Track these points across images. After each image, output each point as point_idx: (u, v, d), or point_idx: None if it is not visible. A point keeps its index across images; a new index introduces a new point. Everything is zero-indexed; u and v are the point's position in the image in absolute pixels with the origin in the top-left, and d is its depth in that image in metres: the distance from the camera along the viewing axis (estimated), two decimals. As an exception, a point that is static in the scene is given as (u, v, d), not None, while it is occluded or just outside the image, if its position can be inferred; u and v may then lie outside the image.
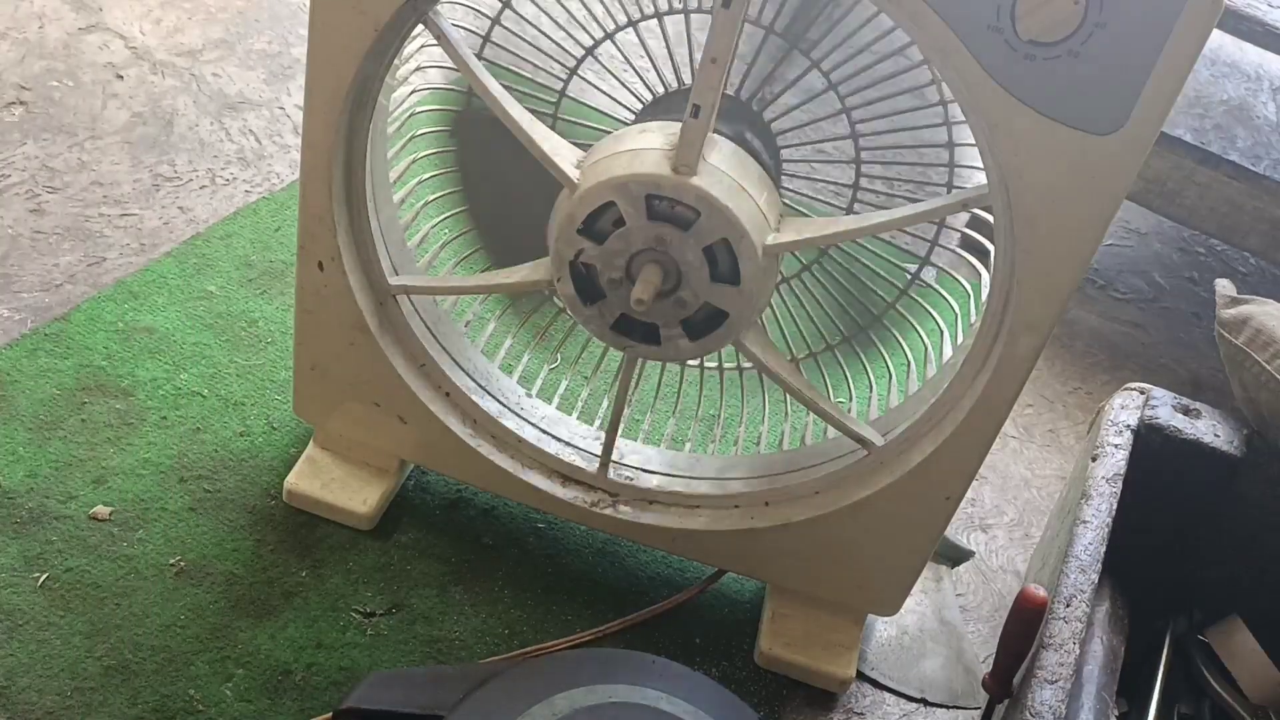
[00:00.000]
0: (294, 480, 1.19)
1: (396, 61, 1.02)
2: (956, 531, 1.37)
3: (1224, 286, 1.21)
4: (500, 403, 1.17)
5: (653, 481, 1.16)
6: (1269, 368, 1.10)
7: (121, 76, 1.70)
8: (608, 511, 1.15)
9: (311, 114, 1.00)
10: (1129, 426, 1.13)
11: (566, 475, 1.16)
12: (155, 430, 1.23)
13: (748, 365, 1.17)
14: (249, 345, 1.36)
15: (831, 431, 1.12)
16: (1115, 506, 1.05)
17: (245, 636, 1.08)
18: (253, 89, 1.76)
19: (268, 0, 1.93)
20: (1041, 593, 0.93)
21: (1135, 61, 0.81)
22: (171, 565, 1.12)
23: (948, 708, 1.20)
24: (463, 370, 1.16)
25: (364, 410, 1.16)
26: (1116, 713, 1.08)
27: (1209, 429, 1.13)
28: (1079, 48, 0.81)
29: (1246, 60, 2.02)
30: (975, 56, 0.84)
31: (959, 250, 1.10)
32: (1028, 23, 0.81)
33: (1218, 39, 1.72)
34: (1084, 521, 1.03)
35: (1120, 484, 1.07)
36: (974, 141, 0.90)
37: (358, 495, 1.19)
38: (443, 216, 1.15)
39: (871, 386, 1.17)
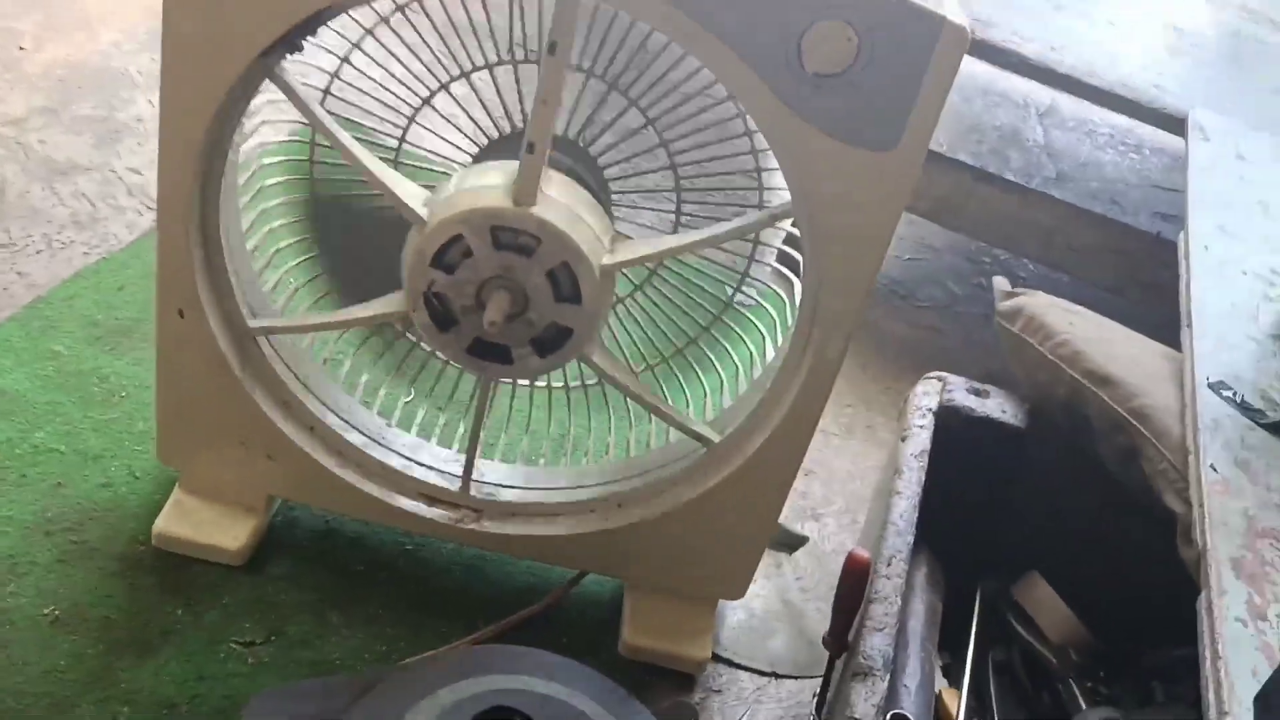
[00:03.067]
0: (162, 524, 1.22)
1: (244, 115, 1.08)
2: (792, 521, 1.50)
3: (1000, 283, 1.38)
4: (364, 434, 1.24)
5: (513, 495, 1.25)
6: (1042, 349, 1.26)
7: (-55, 147, 1.70)
8: (473, 526, 1.23)
9: (165, 170, 1.06)
10: (930, 409, 1.28)
11: (432, 496, 1.23)
12: (15, 489, 1.24)
13: (592, 382, 1.27)
14: (102, 401, 1.38)
15: (674, 434, 1.23)
16: (923, 479, 1.19)
17: (127, 676, 1.11)
18: (81, 153, 1.77)
19: (90, 67, 1.95)
20: (865, 554, 1.06)
21: (903, 88, 0.95)
22: (45, 615, 1.14)
23: (795, 678, 1.32)
24: (325, 406, 1.22)
25: (230, 450, 1.21)
26: (940, 663, 1.21)
27: (997, 407, 1.29)
28: (856, 78, 0.95)
29: (1015, 90, 2.25)
30: (771, 89, 0.96)
31: (775, 264, 1.23)
32: (812, 58, 0.94)
33: (989, 73, 1.93)
34: (898, 493, 1.16)
35: (926, 459, 1.21)
36: (777, 164, 1.03)
37: (228, 533, 1.23)
38: (296, 261, 1.22)
39: (706, 391, 1.28)
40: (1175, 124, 1.72)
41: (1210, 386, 1.09)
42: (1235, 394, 1.08)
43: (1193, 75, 1.93)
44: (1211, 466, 0.99)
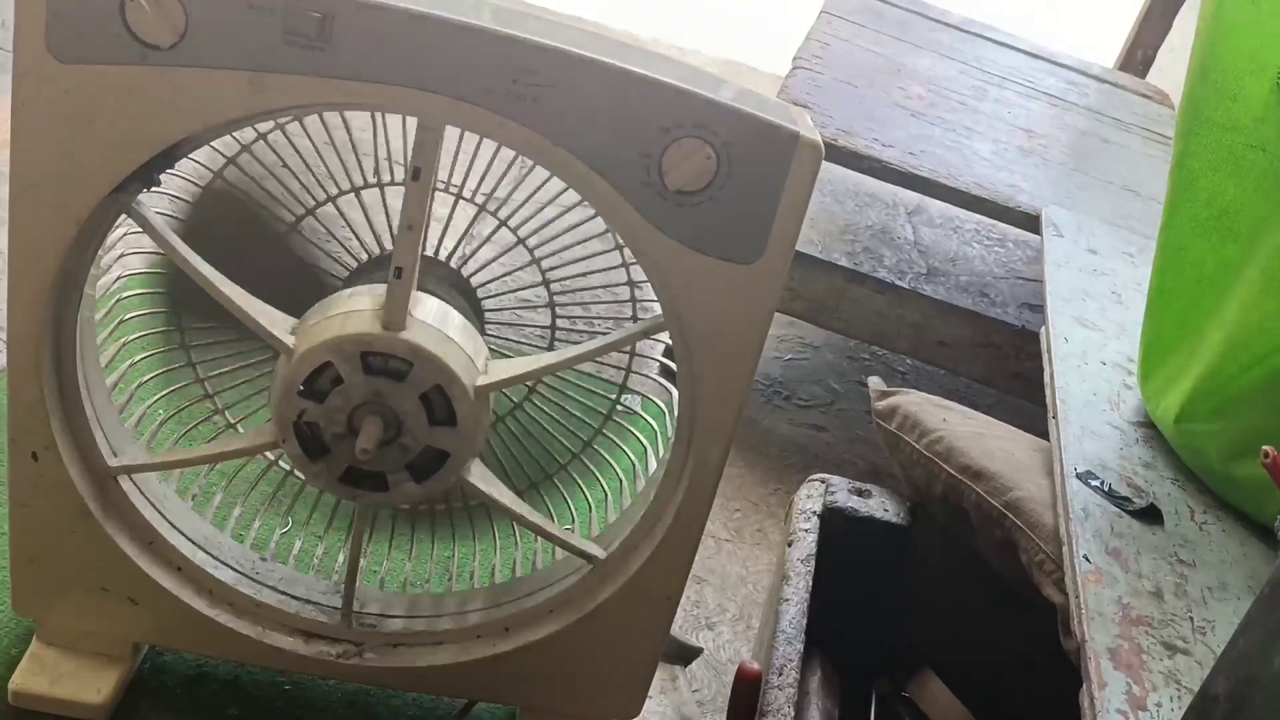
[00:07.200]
0: (19, 680, 1.15)
1: (100, 250, 1.05)
2: (685, 631, 1.48)
3: (875, 383, 1.41)
4: (235, 570, 1.19)
5: (396, 625, 1.20)
6: (918, 446, 1.29)
7: None
8: (354, 661, 1.18)
9: (15, 309, 1.02)
10: (815, 513, 1.28)
11: (309, 631, 1.19)
12: None
13: (474, 503, 1.25)
14: (-46, 551, 1.30)
15: (559, 553, 1.21)
16: (811, 583, 1.19)
17: None
18: (-65, 289, 1.70)
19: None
20: (755, 666, 1.05)
21: (763, 203, 0.97)
22: (-115, 791, 1.06)
23: (697, 797, 1.29)
24: (193, 543, 1.17)
25: (91, 597, 1.15)
26: (840, 770, 1.20)
27: (879, 506, 1.30)
28: (717, 194, 0.97)
29: (884, 190, 2.33)
30: (635, 207, 0.98)
31: (653, 376, 1.23)
32: (673, 176, 0.96)
33: (857, 175, 1.99)
34: (786, 599, 1.16)
35: (813, 563, 1.22)
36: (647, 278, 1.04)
37: (90, 685, 1.16)
38: (158, 396, 1.18)
39: (591, 506, 1.27)
40: (1030, 221, 1.80)
41: (1078, 476, 1.11)
42: (1103, 483, 1.11)
43: (1044, 174, 2.02)
44: (1084, 556, 1.00)
